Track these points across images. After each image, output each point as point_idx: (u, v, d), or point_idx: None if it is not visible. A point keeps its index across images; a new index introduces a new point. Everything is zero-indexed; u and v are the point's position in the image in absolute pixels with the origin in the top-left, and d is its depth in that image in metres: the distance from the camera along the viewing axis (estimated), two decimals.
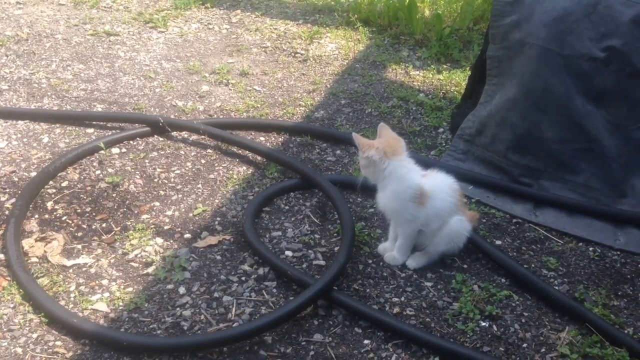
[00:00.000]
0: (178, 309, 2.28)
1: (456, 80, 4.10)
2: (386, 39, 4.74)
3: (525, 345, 2.21)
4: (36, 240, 2.56)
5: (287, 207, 2.86)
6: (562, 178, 2.93)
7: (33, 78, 3.90)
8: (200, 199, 2.89)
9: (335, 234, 2.69)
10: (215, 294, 2.35)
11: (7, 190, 2.86)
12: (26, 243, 2.53)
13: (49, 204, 2.79)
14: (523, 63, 2.94)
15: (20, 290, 2.29)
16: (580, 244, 2.73)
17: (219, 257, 2.54)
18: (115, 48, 4.42)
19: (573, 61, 2.83)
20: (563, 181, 2.93)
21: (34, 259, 2.48)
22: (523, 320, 2.31)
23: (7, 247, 2.43)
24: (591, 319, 2.26)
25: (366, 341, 2.19)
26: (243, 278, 2.44)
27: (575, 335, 2.24)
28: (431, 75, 4.18)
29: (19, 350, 2.08)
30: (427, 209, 2.37)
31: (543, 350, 2.19)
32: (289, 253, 2.58)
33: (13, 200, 2.76)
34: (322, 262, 2.53)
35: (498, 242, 2.71)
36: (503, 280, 2.49)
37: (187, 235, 2.66)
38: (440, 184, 2.41)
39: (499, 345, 2.20)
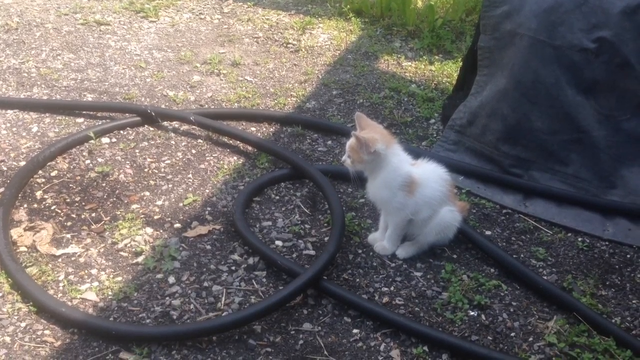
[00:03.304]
0: (167, 298, 2.28)
1: (448, 71, 4.10)
2: (378, 30, 4.73)
3: (513, 334, 2.22)
4: (25, 230, 2.55)
5: (277, 197, 2.86)
6: (552, 169, 2.94)
7: (23, 67, 3.87)
8: (190, 189, 2.89)
9: (325, 224, 2.70)
10: (205, 284, 2.35)
11: None
12: (15, 232, 2.52)
13: (38, 194, 2.78)
14: (514, 54, 2.95)
15: (9, 279, 2.28)
16: (569, 234, 2.74)
17: (208, 247, 2.54)
18: (105, 37, 4.39)
19: (563, 52, 2.83)
20: (553, 172, 2.94)
21: (23, 248, 2.47)
22: (511, 310, 2.32)
23: None
24: (579, 308, 2.28)
25: (355, 330, 2.20)
26: (233, 267, 2.44)
27: (563, 325, 2.25)
28: (423, 66, 4.18)
29: (7, 339, 2.08)
30: (416, 198, 2.37)
31: (531, 339, 2.20)
32: (279, 243, 2.58)
33: (2, 189, 2.74)
34: (312, 252, 2.54)
35: (488, 233, 2.72)
36: (492, 270, 2.50)
37: (177, 225, 2.65)
38: (430, 173, 2.42)
39: (487, 334, 2.21)
